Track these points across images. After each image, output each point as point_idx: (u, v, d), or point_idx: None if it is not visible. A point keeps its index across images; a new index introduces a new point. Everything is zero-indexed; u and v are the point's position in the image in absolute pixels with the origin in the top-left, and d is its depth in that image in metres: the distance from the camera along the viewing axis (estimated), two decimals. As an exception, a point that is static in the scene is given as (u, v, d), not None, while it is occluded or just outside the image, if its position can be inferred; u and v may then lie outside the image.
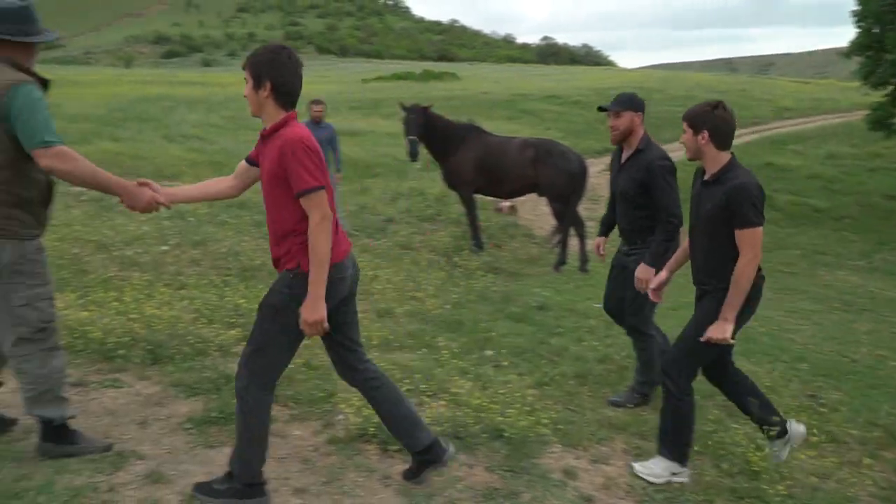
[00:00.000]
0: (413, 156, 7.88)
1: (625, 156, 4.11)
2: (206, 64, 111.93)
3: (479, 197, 8.44)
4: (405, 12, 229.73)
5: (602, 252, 4.46)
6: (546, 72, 64.32)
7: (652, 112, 5.33)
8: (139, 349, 4.22)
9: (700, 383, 3.58)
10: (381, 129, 21.29)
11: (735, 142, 3.42)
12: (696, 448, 3.56)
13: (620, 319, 4.29)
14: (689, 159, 3.40)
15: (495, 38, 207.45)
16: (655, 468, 3.42)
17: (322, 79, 56.96)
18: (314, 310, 2.66)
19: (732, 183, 3.23)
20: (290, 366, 4.02)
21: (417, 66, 62.80)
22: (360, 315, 5.34)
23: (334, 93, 33.15)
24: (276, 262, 2.85)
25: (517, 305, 6.03)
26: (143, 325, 4.47)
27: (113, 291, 5.03)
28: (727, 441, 3.72)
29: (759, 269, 3.31)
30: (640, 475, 3.41)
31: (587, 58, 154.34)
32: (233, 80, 63.46)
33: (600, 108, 4.21)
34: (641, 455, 3.62)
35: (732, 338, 3.30)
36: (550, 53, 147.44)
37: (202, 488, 2.89)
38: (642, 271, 3.88)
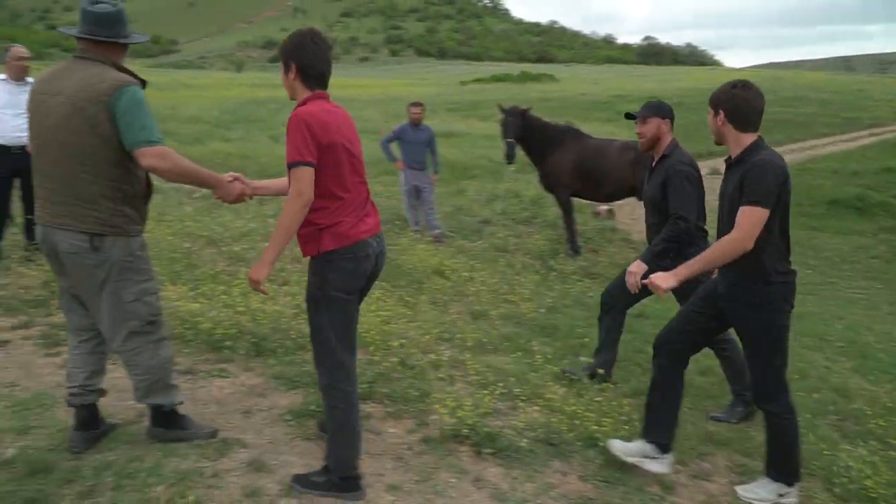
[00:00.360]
0: (510, 158, 7.86)
1: (654, 163, 4.13)
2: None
3: (576, 200, 8.32)
4: (504, 14, 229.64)
5: None
6: (647, 72, 62.72)
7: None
8: (244, 341, 4.40)
9: (803, 398, 3.38)
10: (479, 131, 21.34)
11: (850, 145, 3.22)
12: (805, 469, 3.37)
13: (606, 310, 4.32)
14: (716, 143, 3.26)
15: (595, 38, 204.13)
16: (761, 491, 3.25)
17: (421, 81, 57.84)
18: (258, 270, 2.82)
19: (751, 160, 3.05)
20: (386, 364, 4.14)
21: (515, 68, 62.64)
22: (455, 316, 5.39)
23: (433, 95, 33.57)
24: (303, 252, 2.96)
25: (614, 312, 5.89)
26: (249, 319, 4.66)
27: (221, 285, 5.26)
28: (839, 462, 3.50)
29: (787, 265, 3.12)
30: (746, 499, 3.25)
31: (691, 58, 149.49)
32: (335, 83, 65.31)
33: (627, 115, 4.25)
34: (745, 474, 3.46)
35: (785, 334, 3.16)
36: (652, 54, 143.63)
37: (301, 480, 2.99)
38: (634, 265, 3.85)
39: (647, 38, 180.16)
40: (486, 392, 3.89)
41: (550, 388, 4.05)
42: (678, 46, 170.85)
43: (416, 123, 8.57)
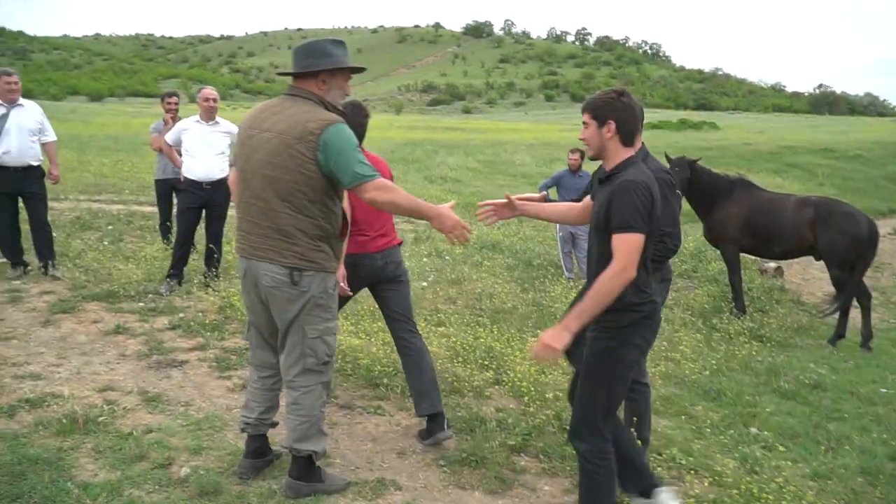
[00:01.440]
0: (675, 210, 7.53)
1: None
2: (467, 111, 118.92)
3: (741, 256, 7.82)
4: (665, 60, 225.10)
5: None
6: (818, 122, 58.86)
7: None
8: (400, 379, 4.45)
9: None
10: (634, 179, 20.81)
11: None
12: None
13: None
14: (591, 158, 2.99)
15: (762, 85, 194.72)
16: None
17: (575, 127, 57.50)
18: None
19: (620, 179, 2.77)
20: (541, 417, 4.02)
21: (674, 115, 60.92)
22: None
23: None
24: None
25: (786, 380, 5.42)
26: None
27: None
28: None
29: (649, 296, 2.83)
30: None
31: (870, 108, 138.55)
32: (490, 126, 66.51)
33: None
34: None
35: (621, 371, 2.84)
36: (825, 103, 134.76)
37: None
38: None
39: (820, 85, 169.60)
40: (652, 455, 3.66)
41: (719, 461, 3.74)
42: (856, 96, 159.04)
43: (574, 170, 8.49)
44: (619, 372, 2.85)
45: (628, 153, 2.87)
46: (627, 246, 2.68)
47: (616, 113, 2.83)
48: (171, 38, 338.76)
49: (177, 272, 6.47)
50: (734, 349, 6.13)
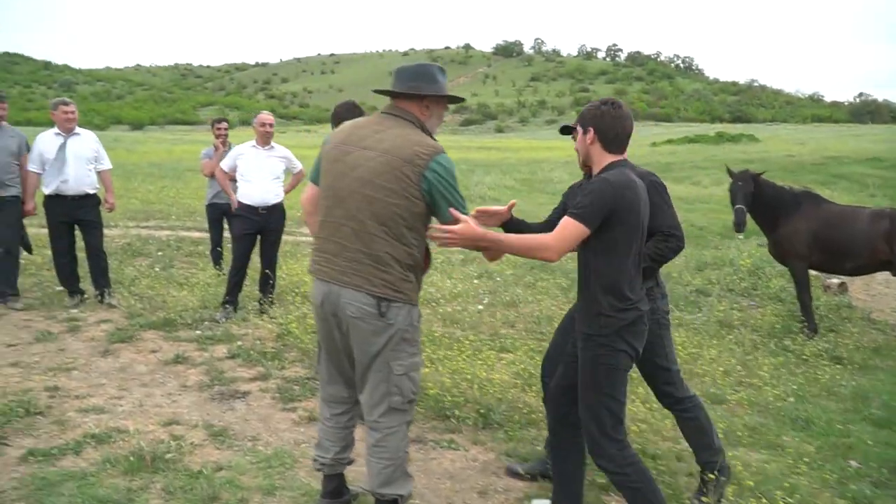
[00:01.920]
0: (739, 226, 7.24)
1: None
2: (500, 130, 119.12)
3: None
4: (698, 74, 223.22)
5: None
6: (861, 131, 57.49)
7: None
8: (471, 410, 4.26)
9: None
10: (674, 194, 20.26)
11: None
12: None
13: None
14: (581, 165, 3.07)
15: (799, 96, 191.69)
16: None
17: (610, 142, 57.06)
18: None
19: (596, 177, 2.84)
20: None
21: (710, 129, 60.16)
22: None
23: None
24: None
25: (877, 406, 5.09)
26: (474, 386, 4.52)
27: (444, 349, 5.21)
28: None
29: (633, 303, 2.79)
30: None
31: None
32: (524, 145, 66.43)
33: (562, 130, 3.44)
34: None
35: (616, 377, 2.82)
36: (867, 111, 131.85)
37: None
38: None
39: (860, 94, 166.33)
40: (752, 499, 3.39)
41: (828, 500, 3.46)
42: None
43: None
44: (614, 378, 2.83)
45: (612, 158, 2.89)
46: (565, 229, 2.69)
47: (596, 120, 2.88)
48: (208, 66, 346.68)
49: (232, 299, 6.39)
50: (814, 373, 5.80)
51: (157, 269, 8.30)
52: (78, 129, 6.60)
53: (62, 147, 6.38)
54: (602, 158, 2.89)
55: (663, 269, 9.57)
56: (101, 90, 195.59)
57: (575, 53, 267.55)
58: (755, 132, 50.38)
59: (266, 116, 6.59)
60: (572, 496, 3.09)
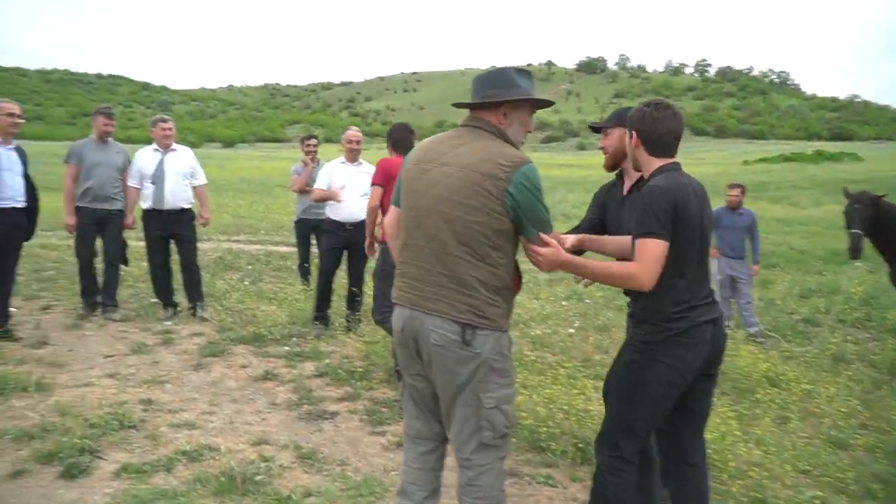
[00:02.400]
0: (855, 252, 6.68)
1: (626, 186, 3.31)
2: (581, 147, 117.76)
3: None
4: (795, 89, 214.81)
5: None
6: (979, 150, 53.69)
7: None
8: (568, 443, 4.01)
9: None
10: (770, 214, 19.47)
11: None
12: None
13: None
14: (634, 170, 3.00)
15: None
16: None
17: (699, 161, 55.57)
18: None
19: (645, 186, 2.75)
20: (743, 499, 3.45)
21: (807, 146, 57.56)
22: (804, 439, 4.51)
23: (713, 175, 31.84)
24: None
25: None
26: (569, 416, 4.26)
27: (536, 375, 4.98)
28: None
29: (685, 312, 2.65)
30: None
31: None
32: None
33: (591, 127, 3.49)
34: None
35: (645, 390, 2.70)
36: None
37: None
38: None
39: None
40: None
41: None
42: None
43: (734, 207, 7.81)
44: (642, 390, 2.71)
45: (660, 163, 2.81)
46: (644, 252, 2.59)
47: (637, 122, 2.82)
48: (295, 86, 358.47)
49: (322, 314, 6.36)
50: (947, 415, 5.25)
51: (246, 283, 8.41)
52: (175, 146, 6.76)
53: (160, 163, 6.55)
54: (649, 163, 2.83)
55: (764, 294, 9.01)
56: (195, 109, 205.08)
57: (661, 69, 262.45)
58: (857, 150, 47.87)
59: (354, 133, 6.56)
60: None
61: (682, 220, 2.62)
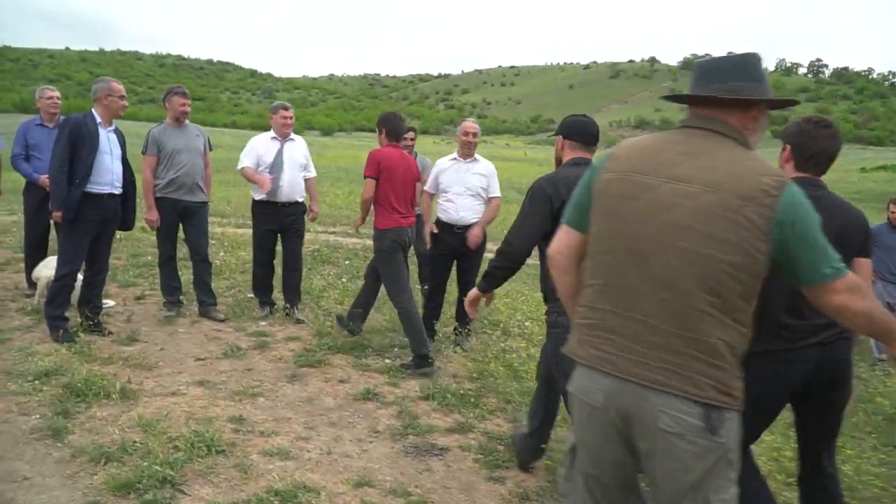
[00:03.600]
0: None
1: None
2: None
3: None
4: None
5: None
6: None
7: None
8: None
9: None
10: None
11: None
12: None
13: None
14: None
15: None
16: None
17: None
18: None
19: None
20: None
21: (936, 156, 53.18)
22: None
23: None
24: None
25: None
26: None
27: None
28: None
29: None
30: None
31: None
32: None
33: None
34: None
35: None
36: None
37: None
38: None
39: None
40: None
41: None
42: None
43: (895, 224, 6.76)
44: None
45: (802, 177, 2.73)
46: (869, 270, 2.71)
47: (793, 137, 2.79)
48: (394, 77, 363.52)
49: (428, 326, 5.72)
50: None
51: (343, 281, 7.95)
52: (293, 135, 6.29)
53: (279, 152, 6.09)
54: (791, 176, 2.73)
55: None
56: (297, 97, 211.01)
57: (773, 69, 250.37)
58: None
59: (470, 125, 5.89)
60: None
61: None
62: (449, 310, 6.15)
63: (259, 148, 6.13)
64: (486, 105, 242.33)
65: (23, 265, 7.33)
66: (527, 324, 6.43)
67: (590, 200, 2.02)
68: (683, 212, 1.83)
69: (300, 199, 6.23)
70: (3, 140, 6.39)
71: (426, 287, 6.38)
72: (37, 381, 4.26)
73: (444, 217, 5.77)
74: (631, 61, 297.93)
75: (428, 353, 5.10)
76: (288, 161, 6.08)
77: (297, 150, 6.24)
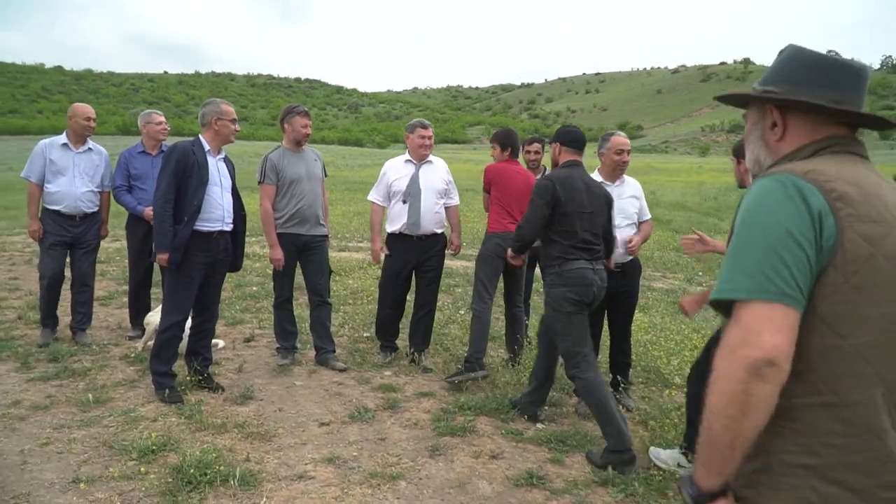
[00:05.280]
0: None
1: None
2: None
3: None
4: None
5: None
6: None
7: None
8: None
9: None
10: None
11: None
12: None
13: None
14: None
15: None
16: None
17: (937, 169, 47.96)
18: None
19: None
20: None
21: None
22: None
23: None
24: None
25: None
26: None
27: None
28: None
29: None
30: None
31: None
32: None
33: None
34: None
35: None
36: None
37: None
38: None
39: None
40: None
41: None
42: None
43: None
44: None
45: None
46: None
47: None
48: (476, 88, 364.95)
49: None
50: None
51: (462, 313, 7.13)
52: (431, 157, 5.48)
53: (414, 177, 5.32)
54: None
55: None
56: (382, 111, 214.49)
57: (878, 66, 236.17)
58: None
59: (621, 140, 4.88)
60: None
61: None
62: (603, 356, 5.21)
63: (391, 174, 5.38)
64: (571, 113, 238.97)
65: (126, 300, 6.90)
66: (687, 369, 5.40)
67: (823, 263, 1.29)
68: None
69: (439, 231, 5.42)
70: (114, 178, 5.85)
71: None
72: (142, 462, 3.59)
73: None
74: (723, 63, 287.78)
75: (479, 358, 4.96)
76: (425, 187, 5.29)
77: (436, 173, 5.42)
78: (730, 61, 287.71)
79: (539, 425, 4.43)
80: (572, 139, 4.29)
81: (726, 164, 56.88)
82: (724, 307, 1.29)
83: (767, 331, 1.20)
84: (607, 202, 4.24)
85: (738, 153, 3.79)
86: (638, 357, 5.61)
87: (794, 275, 1.23)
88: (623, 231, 4.78)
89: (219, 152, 4.62)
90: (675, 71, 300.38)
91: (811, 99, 1.42)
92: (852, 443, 1.25)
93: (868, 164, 1.44)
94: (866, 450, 1.25)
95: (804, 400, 1.27)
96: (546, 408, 4.67)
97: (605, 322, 4.92)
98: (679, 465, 3.78)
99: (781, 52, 1.54)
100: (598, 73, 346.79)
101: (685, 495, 1.40)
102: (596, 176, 4.92)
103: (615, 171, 4.82)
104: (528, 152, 5.94)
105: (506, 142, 5.36)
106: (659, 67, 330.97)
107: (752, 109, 1.58)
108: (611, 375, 4.95)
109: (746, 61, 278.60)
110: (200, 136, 4.56)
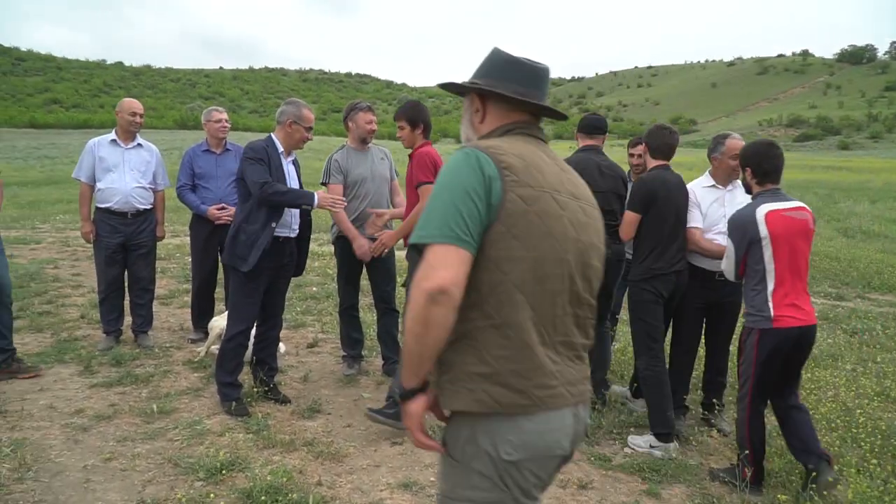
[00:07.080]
0: None
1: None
2: (844, 147, 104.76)
3: None
4: None
5: None
6: None
7: None
8: None
9: None
10: None
11: None
12: None
13: None
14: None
15: None
16: None
17: None
18: None
19: None
20: None
21: None
22: None
23: None
24: None
25: None
26: None
27: None
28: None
29: None
30: None
31: None
32: (883, 165, 56.53)
33: None
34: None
35: None
36: None
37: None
38: None
39: None
40: None
41: None
42: None
43: None
44: None
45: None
46: None
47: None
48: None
49: (679, 405, 4.40)
50: None
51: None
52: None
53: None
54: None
55: None
56: (431, 106, 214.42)
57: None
58: None
59: (736, 142, 4.41)
60: None
61: None
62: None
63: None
64: (622, 108, 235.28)
65: (187, 299, 6.77)
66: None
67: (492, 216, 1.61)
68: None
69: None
70: (167, 177, 5.68)
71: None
72: (209, 482, 3.37)
73: (702, 263, 4.42)
74: (780, 55, 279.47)
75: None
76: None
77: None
78: (788, 53, 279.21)
79: (628, 450, 4.08)
80: (586, 124, 4.61)
81: (787, 157, 55.13)
82: (420, 250, 1.55)
83: (442, 267, 1.50)
84: (623, 181, 4.53)
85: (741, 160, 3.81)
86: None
87: (468, 224, 1.53)
88: (716, 235, 4.38)
89: (289, 154, 4.37)
90: (731, 63, 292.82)
91: (503, 91, 1.74)
92: (514, 354, 1.57)
93: (541, 143, 1.79)
94: (523, 360, 1.58)
95: (479, 323, 1.57)
96: (632, 428, 4.32)
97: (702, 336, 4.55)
98: (651, 447, 4.04)
99: (489, 53, 1.85)
100: (650, 67, 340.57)
101: (395, 394, 1.66)
102: (706, 178, 4.52)
103: (730, 175, 4.42)
104: (632, 155, 5.50)
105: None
106: (714, 60, 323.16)
107: (466, 98, 1.87)
108: (703, 395, 4.57)
109: (805, 53, 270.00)
110: (273, 135, 4.31)
